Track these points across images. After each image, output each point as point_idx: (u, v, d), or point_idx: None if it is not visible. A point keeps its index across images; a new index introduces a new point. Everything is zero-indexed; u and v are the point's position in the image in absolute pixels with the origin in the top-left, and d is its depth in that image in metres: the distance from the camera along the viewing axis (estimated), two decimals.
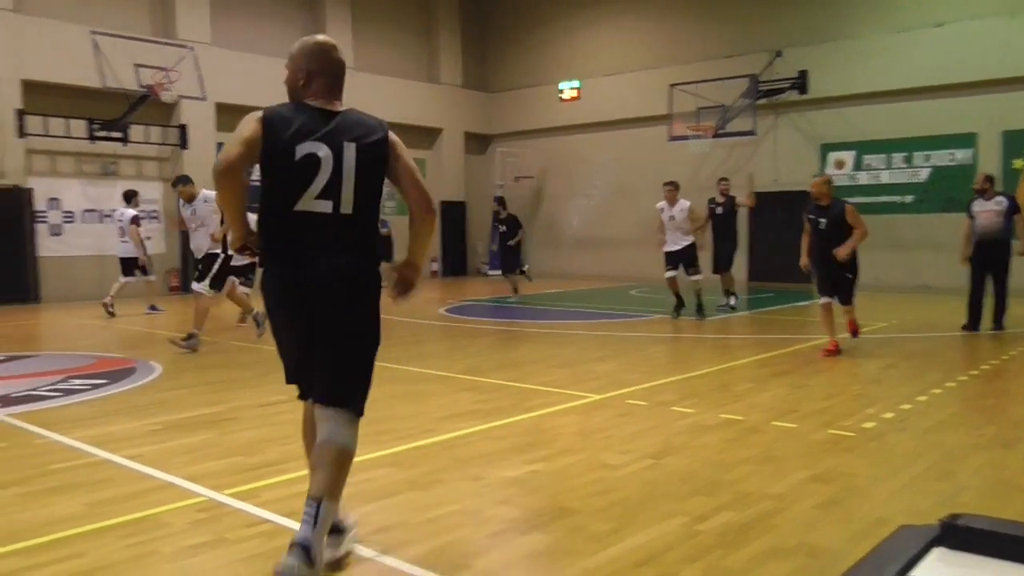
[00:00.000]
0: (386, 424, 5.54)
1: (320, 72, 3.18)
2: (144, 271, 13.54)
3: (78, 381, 7.24)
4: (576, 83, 22.69)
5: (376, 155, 3.11)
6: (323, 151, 3.00)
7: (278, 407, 6.15)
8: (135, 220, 13.14)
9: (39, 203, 16.29)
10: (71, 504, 3.94)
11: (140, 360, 8.40)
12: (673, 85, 18.99)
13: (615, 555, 3.25)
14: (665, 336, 10.26)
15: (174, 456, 4.77)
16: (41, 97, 15.92)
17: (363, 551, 3.29)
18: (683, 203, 11.51)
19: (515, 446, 4.97)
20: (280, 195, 3.05)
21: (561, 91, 22.95)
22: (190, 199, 9.78)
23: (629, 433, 5.25)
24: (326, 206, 3.01)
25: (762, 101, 18.46)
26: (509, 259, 15.74)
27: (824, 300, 8.36)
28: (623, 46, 21.81)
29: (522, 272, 15.82)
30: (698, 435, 5.17)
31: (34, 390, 6.84)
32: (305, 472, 4.40)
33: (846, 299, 8.36)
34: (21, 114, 15.58)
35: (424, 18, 23.53)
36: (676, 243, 11.47)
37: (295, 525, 3.56)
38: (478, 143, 25.02)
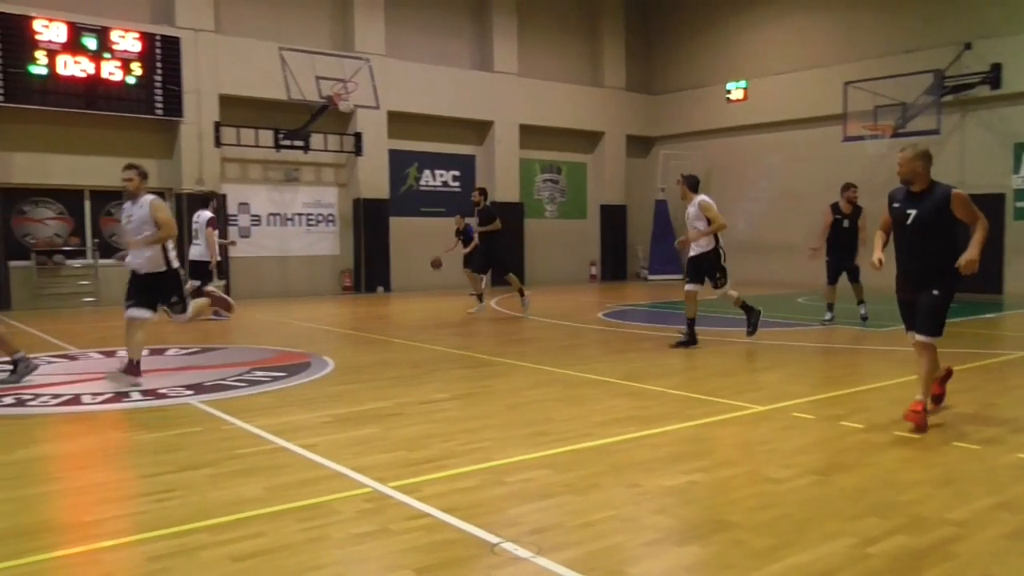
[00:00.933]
0: (544, 426, 5.61)
1: None
2: (211, 276, 13.01)
3: (260, 373, 7.79)
4: (743, 83, 22.05)
5: None
6: None
7: (440, 404, 6.37)
8: (211, 223, 12.91)
9: (231, 207, 17.69)
10: (253, 487, 4.25)
11: (315, 356, 8.92)
12: (848, 83, 18.04)
13: (776, 573, 3.14)
14: (833, 347, 9.77)
15: (344, 447, 5.04)
16: (234, 110, 17.27)
17: (518, 551, 3.35)
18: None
19: (674, 455, 4.90)
20: None
21: (728, 92, 22.37)
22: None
23: (794, 447, 5.05)
24: None
25: (948, 98, 17.22)
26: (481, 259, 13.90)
27: (920, 339, 5.57)
28: (793, 44, 20.97)
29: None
30: (869, 452, 4.89)
31: (223, 380, 7.42)
32: (464, 469, 4.55)
33: (931, 327, 5.53)
34: (218, 126, 16.97)
35: (588, 23, 23.60)
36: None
37: (456, 521, 3.68)
38: (640, 146, 24.80)
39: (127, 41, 15.88)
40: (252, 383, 7.27)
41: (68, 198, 16.04)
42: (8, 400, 6.59)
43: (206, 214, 12.93)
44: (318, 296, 14.87)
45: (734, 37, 22.48)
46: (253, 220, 18.20)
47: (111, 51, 15.71)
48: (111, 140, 16.15)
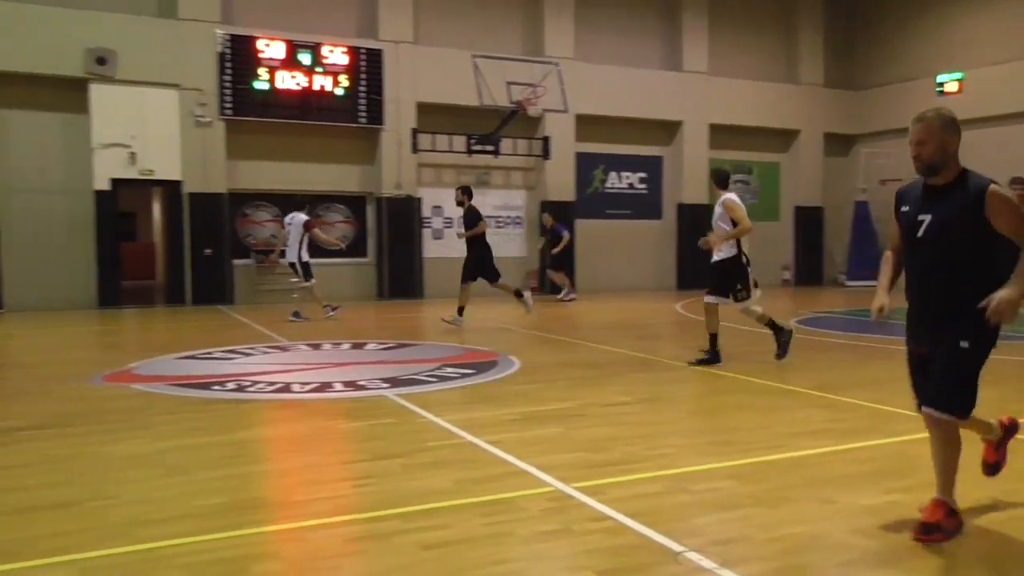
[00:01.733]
0: (729, 435, 5.44)
1: None
2: (305, 276, 13.20)
3: (450, 369, 8.10)
4: (958, 75, 20.33)
5: None
6: None
7: (623, 408, 6.34)
8: (307, 225, 13.07)
9: (425, 210, 18.52)
10: (442, 479, 4.42)
11: (501, 354, 9.15)
12: None
13: None
14: None
15: (528, 445, 5.14)
16: (430, 117, 18.05)
17: (703, 561, 3.28)
18: None
19: (873, 472, 4.60)
20: None
21: (940, 84, 20.69)
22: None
23: (1016, 470, 4.59)
24: None
25: None
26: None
27: (933, 413, 3.62)
28: (1014, 31, 19.08)
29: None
30: None
31: (416, 375, 7.79)
32: (648, 475, 4.50)
33: (949, 398, 3.57)
34: (415, 133, 17.83)
35: (784, 18, 22.65)
36: None
37: (638, 526, 3.65)
38: (839, 144, 23.49)
39: (336, 55, 17.05)
40: (442, 379, 7.57)
41: (283, 202, 17.41)
42: (231, 386, 7.25)
43: (301, 216, 13.17)
44: (505, 297, 15.27)
45: (947, 25, 20.79)
46: (445, 223, 18.93)
47: (322, 65, 16.93)
48: (320, 148, 17.38)
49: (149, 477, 4.58)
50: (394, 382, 7.36)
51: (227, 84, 16.27)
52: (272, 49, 16.53)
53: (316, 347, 9.90)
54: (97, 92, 15.31)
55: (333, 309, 13.47)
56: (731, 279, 8.24)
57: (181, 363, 8.63)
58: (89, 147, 15.28)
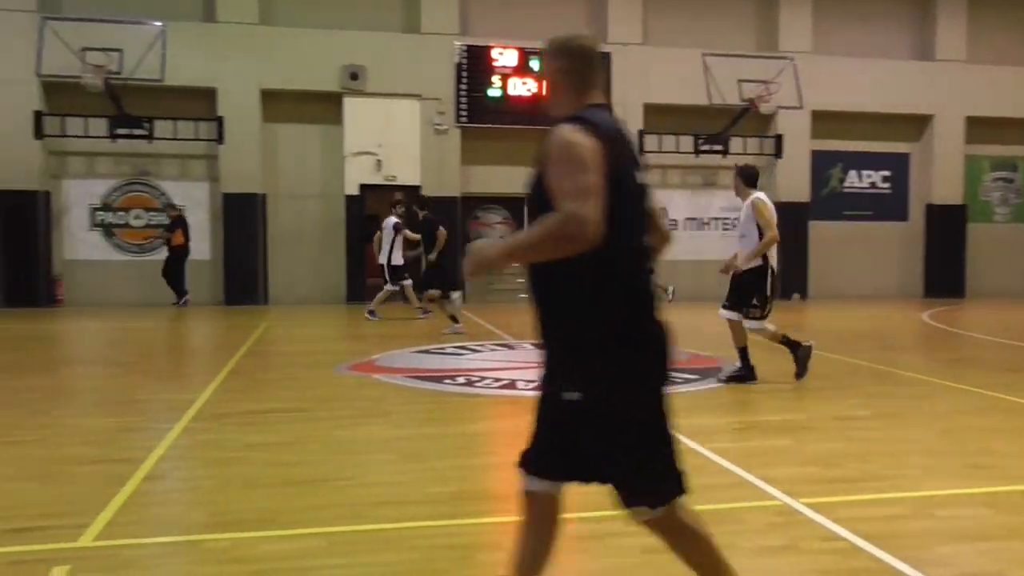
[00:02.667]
0: (982, 458, 4.94)
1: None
2: (387, 279, 13.29)
3: (672, 374, 7.99)
4: None
5: None
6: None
7: (859, 422, 5.95)
8: (397, 228, 13.16)
9: None
10: None
11: (724, 361, 8.89)
12: None
13: None
14: None
15: (753, 456, 4.97)
16: (656, 117, 17.91)
17: None
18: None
19: None
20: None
21: None
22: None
23: None
24: None
25: None
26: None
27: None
28: None
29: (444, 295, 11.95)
30: None
31: None
32: (886, 495, 4.20)
33: None
34: (642, 134, 17.77)
35: None
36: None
37: (875, 550, 3.42)
38: None
39: None
40: None
41: (511, 205, 18.02)
42: (461, 380, 7.64)
43: (392, 220, 13.28)
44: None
45: None
46: (671, 225, 18.72)
47: None
48: None
49: (388, 461, 4.94)
50: None
51: (463, 92, 17.12)
52: (505, 57, 17.18)
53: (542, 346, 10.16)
54: (350, 105, 16.70)
55: (426, 312, 13.42)
56: (749, 292, 7.30)
57: (417, 357, 9.20)
58: (342, 155, 16.69)
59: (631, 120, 17.76)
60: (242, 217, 16.28)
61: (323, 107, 16.77)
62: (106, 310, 14.91)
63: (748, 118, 17.48)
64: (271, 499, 4.13)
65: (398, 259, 13.25)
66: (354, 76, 16.47)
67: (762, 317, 7.28)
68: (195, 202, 16.57)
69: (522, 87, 17.27)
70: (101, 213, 16.23)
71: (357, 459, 5.05)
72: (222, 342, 11.28)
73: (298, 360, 9.24)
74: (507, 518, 3.94)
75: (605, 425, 2.38)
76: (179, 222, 15.93)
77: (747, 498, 4.16)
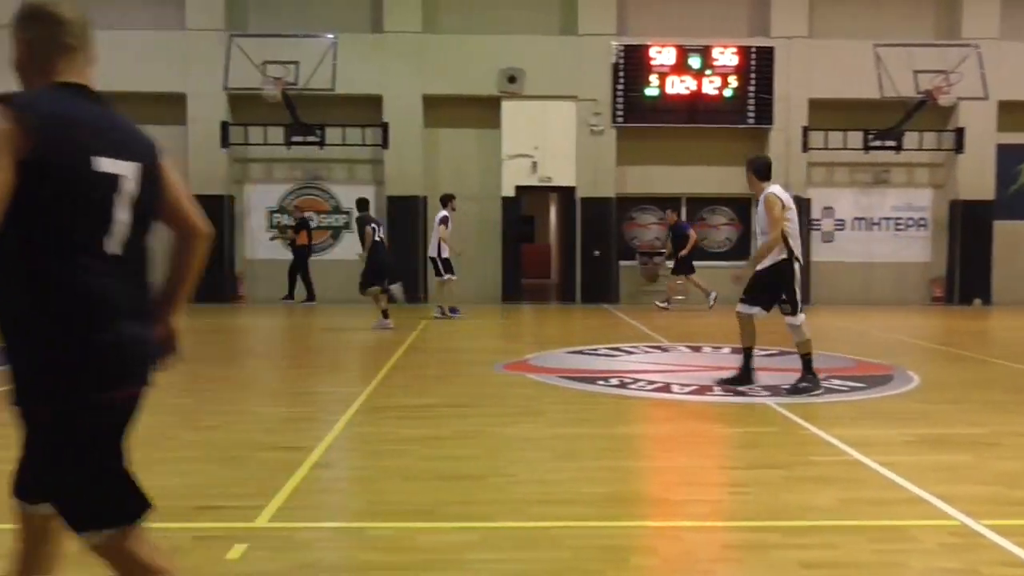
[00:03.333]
0: None
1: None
2: (439, 271, 13.88)
3: (838, 382, 7.61)
4: None
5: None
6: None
7: None
8: (444, 221, 13.70)
9: (814, 212, 17.61)
10: (826, 496, 4.20)
11: (897, 368, 8.38)
12: None
13: None
14: None
15: (927, 471, 4.66)
16: (821, 113, 17.11)
17: None
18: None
19: None
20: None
21: None
22: None
23: None
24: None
25: None
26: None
27: None
28: None
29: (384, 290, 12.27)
30: None
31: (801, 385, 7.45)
32: None
33: None
34: (806, 131, 17.03)
35: None
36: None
37: None
38: None
39: (726, 56, 16.94)
40: (829, 391, 7.15)
41: (667, 205, 17.75)
42: (614, 382, 7.61)
43: (441, 214, 13.79)
44: (903, 306, 13.92)
45: None
46: (837, 225, 17.84)
47: (712, 67, 16.95)
48: (705, 150, 17.39)
49: (541, 460, 5.00)
50: (775, 391, 7.12)
51: (620, 93, 17.03)
52: (663, 56, 16.94)
53: (696, 349, 9.96)
54: (507, 108, 17.01)
55: (455, 311, 13.79)
56: (777, 288, 6.86)
57: (570, 357, 9.25)
58: (499, 158, 17.02)
59: (794, 116, 17.07)
60: (404, 218, 16.93)
61: (481, 111, 17.16)
62: (281, 306, 15.90)
63: (925, 111, 16.35)
64: (429, 492, 4.28)
65: (445, 252, 13.88)
66: (512, 79, 16.76)
67: (793, 313, 6.87)
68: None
69: (680, 85, 16.97)
70: (277, 215, 17.35)
71: (512, 456, 5.15)
72: (386, 339, 11.76)
73: (456, 358, 9.51)
74: (661, 523, 3.90)
75: (41, 440, 2.15)
76: (303, 223, 16.90)
77: (921, 516, 3.91)
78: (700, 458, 5.17)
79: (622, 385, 7.45)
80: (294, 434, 5.65)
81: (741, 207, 17.77)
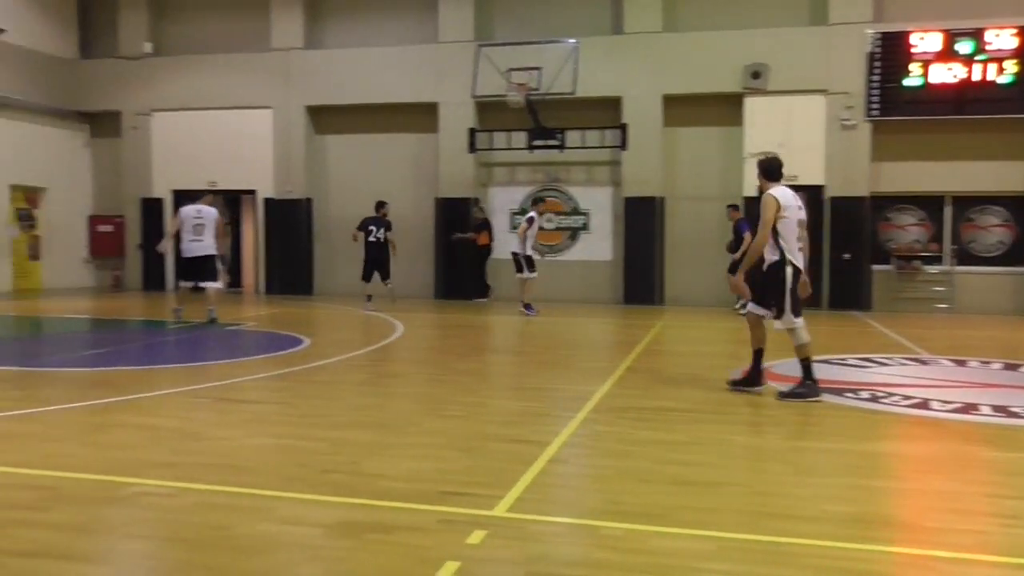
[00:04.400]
0: None
1: None
2: (519, 268, 14.34)
3: None
4: None
5: None
6: None
7: None
8: (531, 221, 14.34)
9: None
10: None
11: None
12: None
13: None
14: None
15: None
16: None
17: None
18: None
19: None
20: None
21: None
22: None
23: None
24: None
25: None
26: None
27: None
28: None
29: None
30: None
31: None
32: None
33: None
34: None
35: None
36: None
37: None
38: None
39: (1001, 39, 15.22)
40: None
41: (928, 204, 16.29)
42: (864, 394, 7.12)
43: (530, 214, 14.46)
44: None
45: None
46: None
47: (985, 52, 15.30)
48: (975, 144, 15.75)
49: (780, 472, 4.80)
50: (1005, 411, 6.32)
51: (875, 84, 15.85)
52: (926, 42, 15.53)
53: (961, 363, 9.06)
54: (751, 105, 16.43)
55: (530, 309, 14.11)
56: (768, 291, 6.79)
57: (815, 367, 8.74)
58: (741, 156, 16.48)
59: None
60: (641, 220, 16.90)
61: (723, 109, 16.71)
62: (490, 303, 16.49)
63: None
64: (663, 496, 4.26)
65: (529, 250, 14.34)
66: (756, 75, 16.16)
67: (778, 317, 6.75)
68: (599, 206, 17.59)
69: (946, 74, 15.47)
70: (519, 217, 17.99)
71: (750, 466, 4.99)
72: (620, 339, 11.84)
73: (692, 361, 9.36)
74: (914, 550, 3.60)
75: None
76: (484, 224, 17.33)
77: None
78: (962, 483, 4.71)
79: (873, 399, 6.95)
80: (530, 428, 5.85)
81: (1019, 207, 15.91)
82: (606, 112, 16.97)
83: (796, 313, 6.73)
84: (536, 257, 14.64)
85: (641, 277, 17.00)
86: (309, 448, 5.17)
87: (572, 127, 16.65)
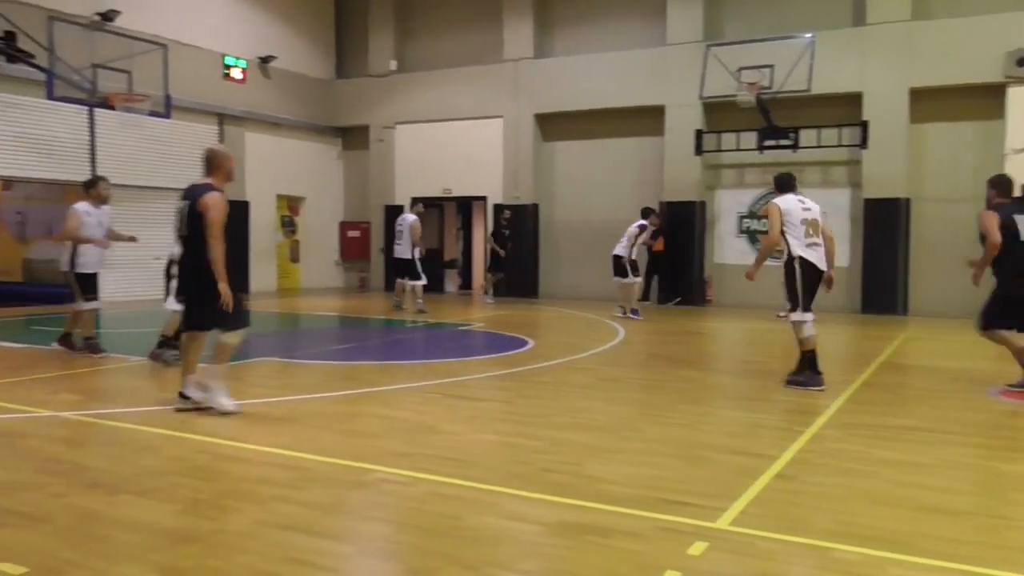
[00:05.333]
0: None
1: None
2: (623, 273, 14.08)
3: None
4: None
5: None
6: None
7: None
8: (643, 229, 14.33)
9: None
10: None
11: None
12: None
13: None
14: None
15: None
16: None
17: None
18: None
19: None
20: None
21: None
22: None
23: None
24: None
25: None
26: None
27: None
28: None
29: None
30: None
31: None
32: None
33: None
34: None
35: None
36: None
37: None
38: None
39: None
40: None
41: None
42: None
43: (641, 222, 14.25)
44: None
45: None
46: None
47: None
48: None
49: None
50: None
51: None
52: None
53: None
54: (1014, 95, 14.75)
55: (636, 314, 14.03)
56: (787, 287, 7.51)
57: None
58: (1000, 153, 14.86)
59: None
60: (883, 223, 15.74)
61: (980, 101, 15.15)
62: (748, 311, 15.93)
63: None
64: (902, 521, 3.95)
65: (635, 255, 14.26)
66: (1022, 62, 14.51)
67: (792, 309, 7.43)
68: (836, 208, 16.52)
69: None
70: (747, 220, 17.40)
71: (1007, 496, 4.51)
72: (856, 351, 11.10)
73: (940, 377, 8.58)
74: None
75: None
76: (661, 231, 16.57)
77: None
78: None
79: None
80: (756, 440, 5.64)
81: None
82: (844, 109, 15.97)
83: (806, 308, 7.38)
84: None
85: (882, 285, 15.81)
86: (531, 447, 5.33)
87: (806, 126, 15.84)
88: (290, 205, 21.00)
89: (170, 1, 17.32)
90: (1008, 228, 7.09)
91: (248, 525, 3.81)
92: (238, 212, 13.95)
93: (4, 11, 13.77)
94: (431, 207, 20.44)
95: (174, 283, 7.29)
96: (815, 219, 7.49)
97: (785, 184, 7.93)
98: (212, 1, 18.46)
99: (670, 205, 17.51)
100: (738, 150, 16.60)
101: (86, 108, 15.20)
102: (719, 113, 16.79)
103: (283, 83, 20.21)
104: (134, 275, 16.24)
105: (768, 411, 6.74)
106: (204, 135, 18.04)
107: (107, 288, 16.13)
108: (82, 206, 9.01)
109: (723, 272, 17.49)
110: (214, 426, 5.79)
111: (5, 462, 4.90)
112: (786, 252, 7.49)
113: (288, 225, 21.02)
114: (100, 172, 16.11)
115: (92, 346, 9.13)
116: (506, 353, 9.76)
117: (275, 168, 20.06)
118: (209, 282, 5.80)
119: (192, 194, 6.00)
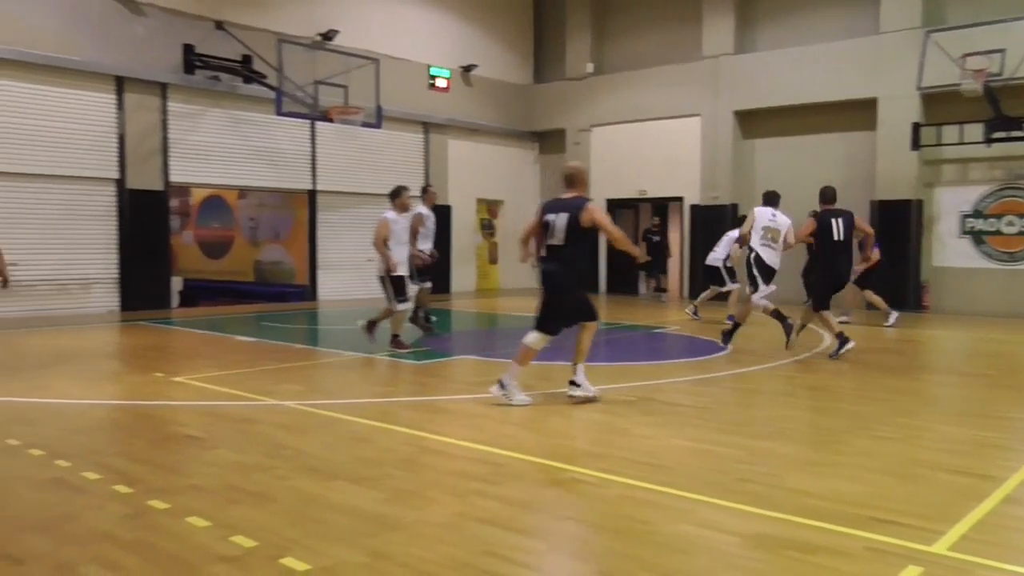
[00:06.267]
0: None
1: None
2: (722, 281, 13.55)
3: None
4: None
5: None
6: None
7: None
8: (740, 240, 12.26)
9: None
10: None
11: None
12: None
13: None
14: None
15: None
16: None
17: None
18: None
19: None
20: None
21: None
22: None
23: None
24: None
25: None
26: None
27: None
28: None
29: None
30: None
31: None
32: None
33: None
34: None
35: None
36: None
37: None
38: None
39: None
40: None
41: None
42: None
43: (733, 233, 12.60)
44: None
45: None
46: None
47: None
48: None
49: None
50: None
51: None
52: None
53: None
54: None
55: (696, 313, 13.89)
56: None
57: None
58: None
59: None
60: None
61: None
62: (971, 319, 14.62)
63: None
64: None
65: (715, 260, 13.57)
66: None
67: (752, 293, 9.79)
68: None
69: None
70: (971, 220, 15.95)
71: None
72: None
73: None
74: None
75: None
76: (877, 240, 14.70)
77: None
78: None
79: None
80: (981, 460, 5.18)
81: None
82: None
83: (755, 288, 9.80)
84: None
85: None
86: (727, 455, 5.19)
87: None
88: (489, 208, 21.67)
89: (382, 18, 18.43)
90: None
91: (449, 517, 3.99)
92: (441, 216, 14.72)
93: (241, 36, 15.25)
94: (625, 208, 20.37)
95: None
96: (770, 226, 9.89)
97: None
98: (419, 16, 19.44)
99: (882, 204, 16.38)
100: (961, 144, 15.25)
101: (308, 122, 16.51)
102: (939, 104, 15.54)
103: (483, 90, 20.89)
104: (350, 276, 17.47)
105: (995, 428, 6.15)
106: (411, 143, 19.07)
107: (325, 288, 17.58)
108: (390, 215, 9.86)
109: (943, 276, 16.15)
110: (419, 420, 6.12)
111: (239, 445, 5.44)
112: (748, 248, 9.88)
113: (487, 228, 21.71)
114: (319, 181, 17.46)
115: (398, 343, 9.78)
116: (701, 358, 9.56)
117: (475, 172, 20.78)
118: (577, 283, 7.08)
119: (568, 207, 6.83)
